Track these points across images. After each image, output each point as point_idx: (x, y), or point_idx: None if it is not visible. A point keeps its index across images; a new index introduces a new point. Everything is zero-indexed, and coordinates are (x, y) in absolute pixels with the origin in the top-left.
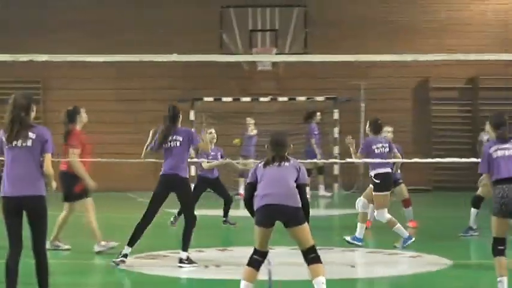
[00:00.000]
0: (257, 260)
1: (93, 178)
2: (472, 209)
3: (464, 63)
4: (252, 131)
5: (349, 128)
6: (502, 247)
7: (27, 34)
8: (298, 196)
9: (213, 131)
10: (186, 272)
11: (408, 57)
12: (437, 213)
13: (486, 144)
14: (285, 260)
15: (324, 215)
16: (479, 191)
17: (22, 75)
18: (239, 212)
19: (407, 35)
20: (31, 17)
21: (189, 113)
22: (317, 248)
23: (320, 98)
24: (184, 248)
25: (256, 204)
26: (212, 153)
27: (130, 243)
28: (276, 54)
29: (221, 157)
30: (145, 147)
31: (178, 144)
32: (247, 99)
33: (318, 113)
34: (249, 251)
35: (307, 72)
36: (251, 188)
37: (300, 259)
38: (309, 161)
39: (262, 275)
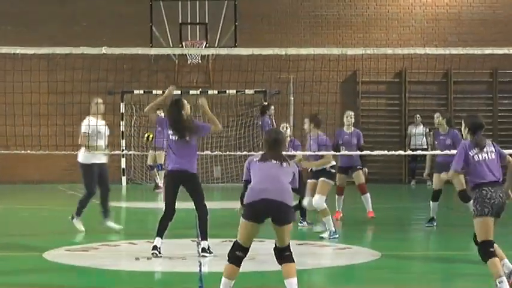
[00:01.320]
0: (239, 257)
1: (25, 169)
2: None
3: (392, 57)
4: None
5: (279, 120)
6: (492, 249)
7: None
8: (292, 195)
9: None
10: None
11: (336, 51)
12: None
13: (464, 142)
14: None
15: None
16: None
17: None
18: None
19: (336, 29)
20: None
21: (119, 106)
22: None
23: (250, 91)
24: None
25: (250, 197)
26: None
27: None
28: (206, 47)
29: None
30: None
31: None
32: (177, 92)
33: (272, 107)
34: (179, 242)
35: (236, 65)
36: (247, 185)
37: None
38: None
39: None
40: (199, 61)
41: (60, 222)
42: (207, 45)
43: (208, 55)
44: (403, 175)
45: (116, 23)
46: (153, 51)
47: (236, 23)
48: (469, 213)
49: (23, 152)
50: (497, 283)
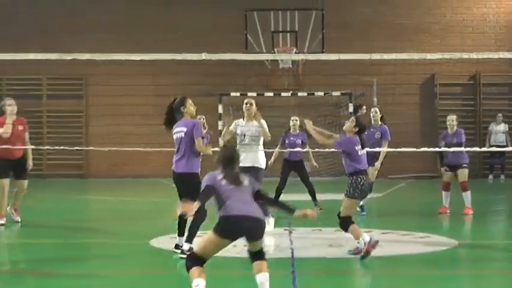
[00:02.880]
0: (200, 260)
1: (133, 165)
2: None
3: (467, 62)
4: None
5: (363, 120)
6: (351, 221)
7: (70, 36)
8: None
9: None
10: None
11: (415, 56)
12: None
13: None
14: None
15: None
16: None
17: (67, 72)
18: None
19: (415, 36)
20: (73, 21)
21: (217, 107)
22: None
23: (336, 93)
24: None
25: (225, 212)
26: None
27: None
28: (296, 53)
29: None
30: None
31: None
32: (270, 94)
33: (364, 107)
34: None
35: (324, 69)
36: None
37: (320, 239)
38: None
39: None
40: (290, 66)
41: (164, 213)
42: (297, 51)
43: (298, 60)
44: (479, 170)
45: (214, 32)
46: (248, 57)
47: (323, 31)
48: None
49: (131, 149)
50: (357, 242)
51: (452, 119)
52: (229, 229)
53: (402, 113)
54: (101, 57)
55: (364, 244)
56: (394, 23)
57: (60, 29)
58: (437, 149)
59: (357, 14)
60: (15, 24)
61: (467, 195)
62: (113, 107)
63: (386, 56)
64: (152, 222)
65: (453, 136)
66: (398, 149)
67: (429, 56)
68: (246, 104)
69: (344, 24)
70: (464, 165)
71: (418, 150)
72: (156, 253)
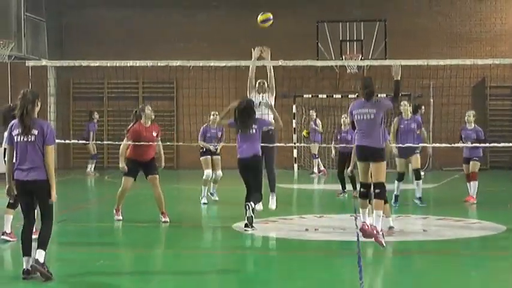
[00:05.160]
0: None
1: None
2: None
3: None
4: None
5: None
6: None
7: (164, 44)
8: None
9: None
10: (291, 233)
11: (468, 61)
12: (494, 188)
13: None
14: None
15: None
16: None
17: (160, 77)
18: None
19: (468, 43)
20: (165, 32)
21: (292, 107)
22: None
23: None
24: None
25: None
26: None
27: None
28: (362, 59)
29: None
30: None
31: (254, 131)
32: (338, 96)
33: (423, 106)
34: (339, 217)
35: (386, 74)
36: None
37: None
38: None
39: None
40: (356, 71)
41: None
42: (363, 57)
43: (363, 66)
44: None
45: (289, 41)
46: (319, 63)
47: (386, 39)
48: None
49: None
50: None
51: (469, 115)
52: None
53: (456, 112)
54: (189, 64)
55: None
56: (449, 32)
57: (155, 40)
58: (487, 145)
59: (415, 24)
60: (117, 35)
61: (475, 185)
62: (200, 107)
63: (442, 62)
64: (234, 208)
65: (472, 131)
66: (459, 144)
67: (480, 61)
68: (259, 83)
69: (404, 33)
70: (475, 158)
71: (472, 145)
72: (238, 236)
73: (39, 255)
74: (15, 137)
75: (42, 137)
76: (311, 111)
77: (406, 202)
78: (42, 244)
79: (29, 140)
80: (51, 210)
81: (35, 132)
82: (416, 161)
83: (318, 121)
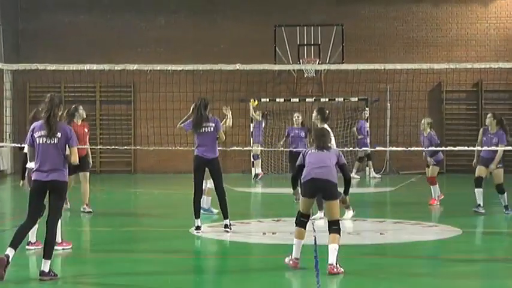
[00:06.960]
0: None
1: (175, 162)
2: (476, 189)
3: (470, 71)
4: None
5: (378, 122)
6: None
7: (122, 48)
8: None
9: None
10: (248, 237)
11: (424, 66)
12: (451, 191)
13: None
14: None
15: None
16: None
17: (118, 81)
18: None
19: (424, 48)
20: (123, 36)
21: (249, 111)
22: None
23: (354, 99)
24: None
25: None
26: None
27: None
28: (319, 63)
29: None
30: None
31: (211, 129)
32: (296, 99)
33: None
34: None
35: (343, 78)
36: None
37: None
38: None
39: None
40: (314, 75)
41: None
42: (320, 61)
43: (321, 70)
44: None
45: (246, 45)
46: (277, 67)
47: (343, 44)
48: None
49: (173, 148)
50: None
51: (423, 123)
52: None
53: (412, 116)
54: (146, 68)
55: None
56: (406, 37)
57: (112, 44)
58: (444, 148)
59: (373, 29)
60: (74, 39)
61: (435, 189)
62: (158, 112)
63: (399, 66)
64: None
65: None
66: (444, 148)
67: (436, 66)
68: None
69: (361, 38)
70: (434, 163)
71: (437, 149)
72: (194, 239)
73: (45, 265)
74: (38, 139)
75: (65, 140)
76: (258, 111)
77: (363, 206)
78: (48, 255)
79: (52, 142)
80: (61, 207)
81: (59, 135)
82: (498, 175)
83: (263, 123)
